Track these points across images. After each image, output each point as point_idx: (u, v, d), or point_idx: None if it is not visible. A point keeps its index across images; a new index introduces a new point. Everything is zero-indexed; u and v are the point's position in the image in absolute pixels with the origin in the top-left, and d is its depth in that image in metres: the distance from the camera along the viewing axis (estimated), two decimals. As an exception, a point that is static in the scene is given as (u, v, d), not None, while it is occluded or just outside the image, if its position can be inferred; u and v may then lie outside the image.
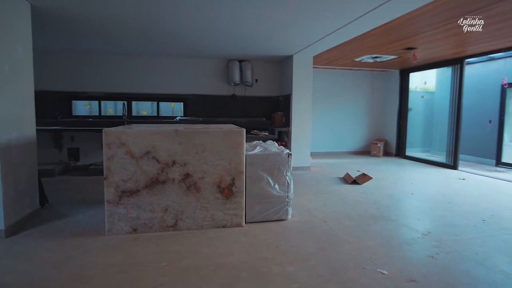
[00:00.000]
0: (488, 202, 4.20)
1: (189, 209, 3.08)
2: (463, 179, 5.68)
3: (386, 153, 8.60)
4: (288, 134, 6.41)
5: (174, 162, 3.01)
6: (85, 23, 4.08)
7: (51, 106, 6.15)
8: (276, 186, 3.32)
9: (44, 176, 5.26)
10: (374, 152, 8.49)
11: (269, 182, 3.30)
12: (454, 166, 6.59)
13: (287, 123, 6.38)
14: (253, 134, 6.31)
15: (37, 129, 5.53)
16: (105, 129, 2.87)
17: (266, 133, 6.41)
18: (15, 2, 3.09)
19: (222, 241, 2.89)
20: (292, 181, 3.42)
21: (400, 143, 8.35)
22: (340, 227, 3.27)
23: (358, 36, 4.58)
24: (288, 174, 3.37)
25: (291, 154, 3.39)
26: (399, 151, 8.36)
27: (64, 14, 3.73)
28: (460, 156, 6.76)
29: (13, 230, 2.97)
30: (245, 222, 3.27)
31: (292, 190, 3.42)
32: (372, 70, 8.38)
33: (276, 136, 6.45)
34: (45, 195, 3.78)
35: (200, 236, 2.99)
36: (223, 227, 3.17)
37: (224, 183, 3.13)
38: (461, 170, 6.43)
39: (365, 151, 8.78)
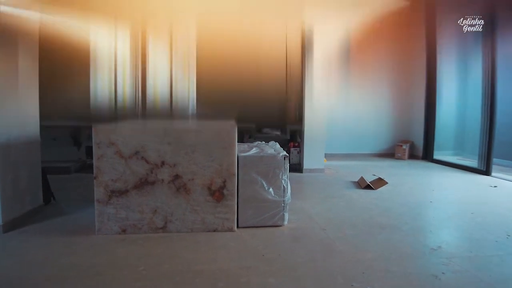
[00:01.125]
0: (519, 214, 3.71)
1: (179, 211, 3.00)
2: (495, 186, 5.11)
3: (412, 156, 8.02)
4: (301, 133, 6.15)
5: (163, 163, 2.94)
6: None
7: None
8: (271, 190, 3.14)
9: (59, 174, 5.48)
10: (399, 155, 7.95)
11: (263, 185, 3.12)
12: (486, 172, 5.95)
13: (300, 122, 6.13)
14: (264, 133, 6.14)
15: (56, 127, 5.86)
16: (94, 127, 2.87)
17: (277, 133, 6.21)
18: (17, 5, 3.19)
19: (209, 246, 2.77)
20: (289, 185, 3.22)
21: (428, 145, 7.76)
22: (339, 235, 3.03)
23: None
24: (284, 177, 3.18)
25: (287, 156, 3.20)
26: (427, 154, 7.77)
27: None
28: (496, 160, 6.08)
29: (11, 226, 3.05)
30: (238, 227, 3.13)
31: (289, 195, 3.23)
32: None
33: (288, 136, 6.23)
34: (51, 192, 3.89)
35: (188, 239, 2.89)
36: (214, 231, 3.05)
37: (215, 185, 3.01)
38: (494, 176, 5.79)
39: (388, 154, 8.25)
